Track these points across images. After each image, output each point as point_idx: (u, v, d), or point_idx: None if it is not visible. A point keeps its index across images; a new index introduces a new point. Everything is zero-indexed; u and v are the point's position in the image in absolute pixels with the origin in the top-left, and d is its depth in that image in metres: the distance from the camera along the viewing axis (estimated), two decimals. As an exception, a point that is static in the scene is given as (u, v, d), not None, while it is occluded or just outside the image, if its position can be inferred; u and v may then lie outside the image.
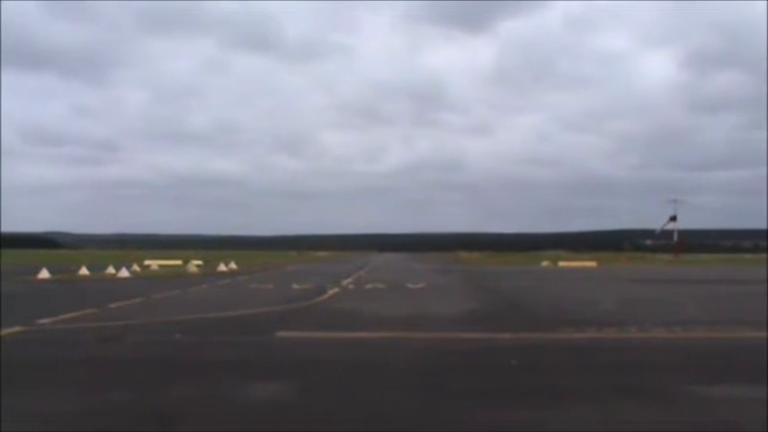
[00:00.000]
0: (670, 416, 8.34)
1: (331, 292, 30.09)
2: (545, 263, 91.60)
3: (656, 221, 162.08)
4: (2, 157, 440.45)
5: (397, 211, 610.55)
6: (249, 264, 74.01)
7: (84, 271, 47.17)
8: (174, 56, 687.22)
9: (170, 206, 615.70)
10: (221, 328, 17.24)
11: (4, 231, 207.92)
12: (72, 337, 15.33)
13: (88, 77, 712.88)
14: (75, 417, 8.17)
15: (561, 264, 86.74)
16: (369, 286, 35.09)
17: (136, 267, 55.03)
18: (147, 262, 67.93)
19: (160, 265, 64.73)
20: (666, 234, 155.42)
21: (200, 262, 67.31)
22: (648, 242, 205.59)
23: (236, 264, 64.81)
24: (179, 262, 70.54)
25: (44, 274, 41.93)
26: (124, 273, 45.86)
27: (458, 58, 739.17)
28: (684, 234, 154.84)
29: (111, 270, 48.45)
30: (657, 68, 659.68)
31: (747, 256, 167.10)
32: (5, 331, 15.39)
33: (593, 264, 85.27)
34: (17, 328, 15.93)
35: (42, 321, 17.52)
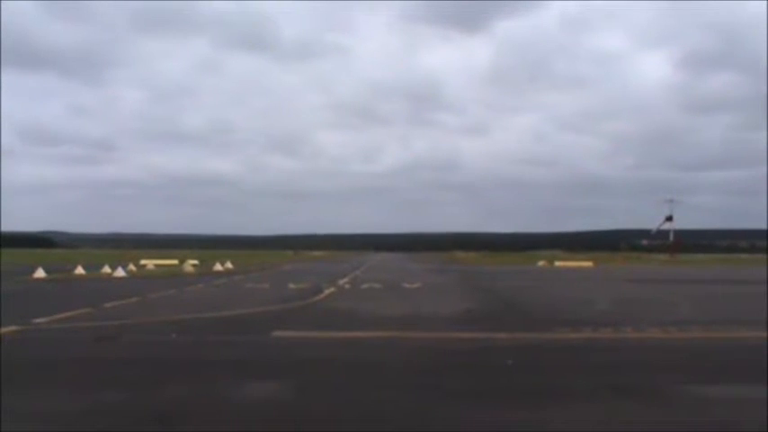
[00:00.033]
0: (666, 416, 8.37)
1: (327, 291, 30.09)
2: (541, 263, 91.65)
3: (653, 221, 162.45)
4: (0, 157, 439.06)
5: (393, 210, 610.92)
6: (245, 263, 73.96)
7: (80, 270, 47.09)
8: (169, 56, 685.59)
9: (166, 206, 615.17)
10: (217, 327, 17.23)
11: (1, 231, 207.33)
12: (68, 337, 15.32)
13: (84, 77, 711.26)
14: (71, 416, 8.16)
15: (557, 264, 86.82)
16: (365, 286, 35.09)
17: (132, 267, 54.96)
18: (143, 261, 67.90)
19: (156, 265, 64.66)
20: (662, 234, 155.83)
21: (196, 261, 67.20)
22: (645, 242, 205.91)
23: (233, 263, 64.75)
24: (175, 261, 70.44)
25: (40, 273, 41.88)
26: (120, 272, 45.79)
27: (454, 58, 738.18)
28: (680, 234, 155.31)
29: (107, 269, 48.42)
30: (653, 69, 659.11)
31: (743, 256, 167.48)
32: (1, 330, 15.37)
33: (589, 264, 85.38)
34: (13, 328, 15.91)
35: (38, 321, 17.50)
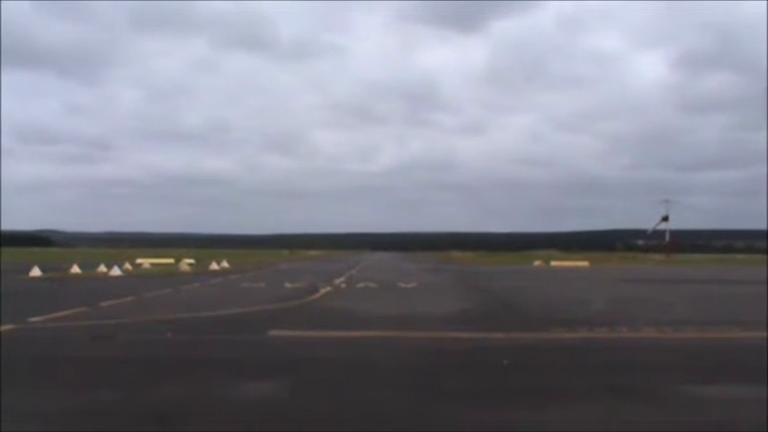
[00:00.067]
0: (661, 416, 8.38)
1: (323, 290, 30.08)
2: (537, 263, 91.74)
3: (648, 222, 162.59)
4: (0, 157, 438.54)
5: (389, 210, 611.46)
6: (241, 262, 73.92)
7: (75, 269, 47.05)
8: (166, 55, 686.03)
9: (162, 205, 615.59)
10: (213, 326, 17.21)
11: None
12: (63, 336, 15.29)
13: (81, 76, 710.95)
14: (67, 416, 8.15)
15: (553, 263, 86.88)
16: (361, 285, 35.09)
17: (128, 266, 54.87)
18: (138, 260, 67.75)
19: (152, 264, 64.60)
20: (658, 234, 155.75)
21: (192, 261, 67.07)
22: (640, 242, 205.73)
23: (229, 262, 64.73)
24: (171, 260, 70.28)
25: (36, 272, 41.83)
26: (116, 271, 45.70)
27: (450, 58, 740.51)
28: (676, 234, 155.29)
29: (102, 268, 48.31)
30: (649, 69, 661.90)
31: (739, 256, 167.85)
32: (-4, 329, 15.35)
33: (585, 264, 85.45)
34: (8, 326, 15.87)
35: (33, 319, 17.47)
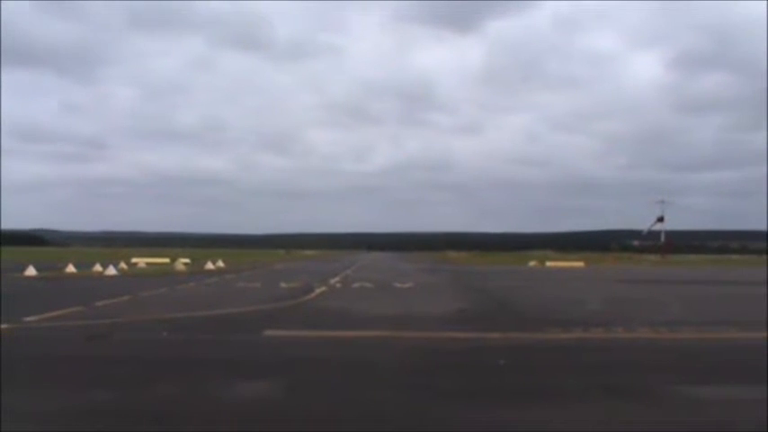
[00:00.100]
0: (656, 415, 8.39)
1: (318, 290, 30.07)
2: (532, 263, 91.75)
3: (644, 222, 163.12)
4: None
5: (385, 210, 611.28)
6: (237, 262, 73.85)
7: (71, 269, 46.95)
8: (162, 54, 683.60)
9: (157, 204, 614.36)
10: (208, 326, 17.19)
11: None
12: (58, 335, 15.26)
13: (76, 75, 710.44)
14: (62, 415, 8.13)
15: (549, 264, 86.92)
16: (356, 285, 35.08)
17: (123, 265, 54.80)
18: (134, 260, 67.71)
19: (147, 264, 64.51)
20: (654, 235, 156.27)
21: (187, 260, 66.98)
22: (636, 243, 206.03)
23: (224, 262, 64.67)
24: (166, 260, 70.23)
25: (31, 271, 41.71)
26: (111, 271, 45.59)
27: (447, 58, 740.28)
28: (671, 235, 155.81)
29: (98, 268, 48.23)
30: (645, 69, 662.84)
31: (735, 257, 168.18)
32: (-9, 329, 15.31)
33: (580, 264, 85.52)
34: (3, 326, 15.82)
35: (29, 319, 17.44)
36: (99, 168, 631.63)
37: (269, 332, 15.85)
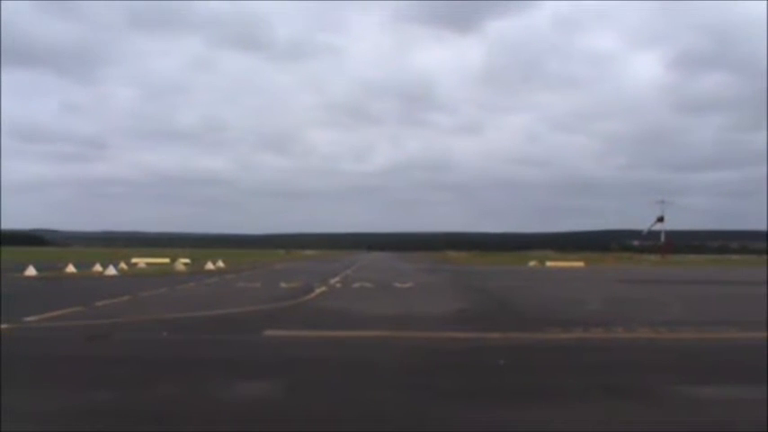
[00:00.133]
0: (656, 415, 8.39)
1: (318, 290, 30.07)
2: (532, 263, 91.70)
3: (644, 222, 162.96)
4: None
5: (385, 210, 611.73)
6: (237, 262, 73.84)
7: (71, 269, 46.95)
8: (162, 54, 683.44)
9: (157, 204, 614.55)
10: (208, 326, 17.19)
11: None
12: (58, 335, 15.26)
13: (77, 75, 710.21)
14: (61, 415, 8.13)
15: (549, 264, 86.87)
16: (356, 285, 35.08)
17: (123, 265, 54.79)
18: (134, 260, 67.71)
19: (147, 264, 64.50)
20: (654, 235, 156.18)
21: (187, 260, 66.98)
22: (636, 243, 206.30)
23: (224, 262, 64.64)
24: (166, 260, 70.23)
25: (31, 271, 41.72)
26: (111, 271, 45.58)
27: (447, 58, 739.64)
28: (671, 235, 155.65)
29: (98, 268, 48.24)
30: (645, 69, 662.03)
31: (734, 257, 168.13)
32: (-9, 329, 15.31)
33: (580, 264, 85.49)
34: (4, 326, 15.82)
35: (29, 319, 17.44)
36: (99, 168, 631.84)
37: (269, 332, 15.85)
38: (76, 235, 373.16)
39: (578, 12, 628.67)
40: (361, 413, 8.40)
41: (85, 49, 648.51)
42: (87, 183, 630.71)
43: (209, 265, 57.65)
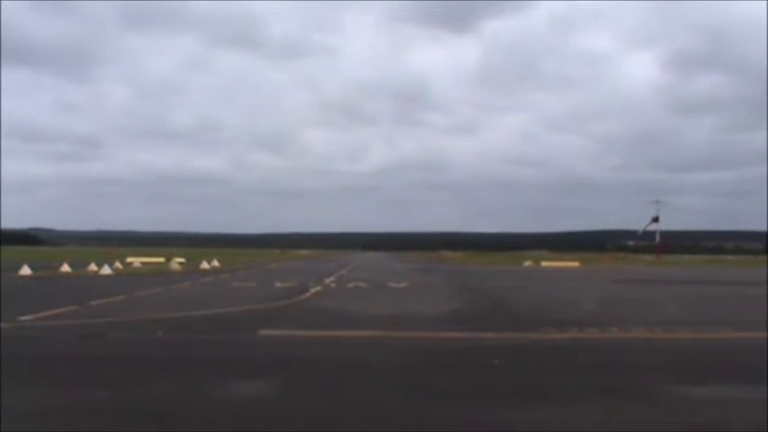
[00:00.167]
0: (651, 415, 8.40)
1: (313, 290, 30.07)
2: (528, 263, 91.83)
3: (639, 222, 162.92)
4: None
5: (380, 210, 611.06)
6: (232, 262, 73.82)
7: (66, 268, 46.86)
8: (157, 53, 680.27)
9: (152, 203, 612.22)
10: (203, 325, 17.18)
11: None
12: (53, 335, 15.23)
13: (71, 74, 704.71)
14: (56, 415, 8.12)
15: (544, 264, 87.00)
16: (351, 285, 35.08)
17: (118, 265, 54.69)
18: (129, 259, 67.63)
19: (142, 263, 64.48)
20: (649, 235, 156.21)
21: (182, 260, 66.97)
22: (631, 243, 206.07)
23: (219, 261, 64.64)
24: (161, 259, 70.13)
25: (26, 270, 41.60)
26: (106, 270, 45.51)
27: (442, 58, 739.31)
28: (667, 235, 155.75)
29: (93, 267, 48.14)
30: (641, 70, 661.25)
31: (729, 257, 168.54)
32: (-15, 328, 15.26)
33: (575, 264, 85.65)
34: (-3, 325, 15.80)
35: (24, 318, 17.41)
36: (94, 167, 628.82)
37: (264, 332, 15.84)
38: (72, 234, 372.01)
39: (574, 12, 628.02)
40: (356, 413, 8.40)
41: (80, 49, 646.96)
42: (82, 182, 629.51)
43: (205, 265, 57.63)
